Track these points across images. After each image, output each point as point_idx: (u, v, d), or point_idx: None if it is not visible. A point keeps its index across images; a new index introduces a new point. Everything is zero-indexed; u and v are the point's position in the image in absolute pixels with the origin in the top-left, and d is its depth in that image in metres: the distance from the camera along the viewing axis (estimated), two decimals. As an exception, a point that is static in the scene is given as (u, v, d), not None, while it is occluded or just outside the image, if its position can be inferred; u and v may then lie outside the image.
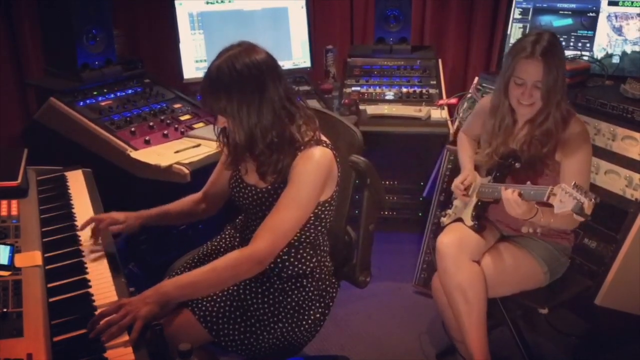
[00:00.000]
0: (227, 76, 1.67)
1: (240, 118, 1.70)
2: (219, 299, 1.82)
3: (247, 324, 1.80)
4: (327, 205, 1.85)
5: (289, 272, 1.88)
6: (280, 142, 1.75)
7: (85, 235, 1.86)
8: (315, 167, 1.74)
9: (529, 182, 1.99)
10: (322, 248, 1.95)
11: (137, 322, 1.45)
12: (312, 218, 1.82)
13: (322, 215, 1.86)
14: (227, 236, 2.08)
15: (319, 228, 1.89)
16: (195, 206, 2.05)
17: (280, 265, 1.87)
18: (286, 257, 1.87)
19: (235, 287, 1.85)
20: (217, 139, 1.89)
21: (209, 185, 2.06)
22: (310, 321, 1.88)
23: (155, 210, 1.99)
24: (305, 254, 1.89)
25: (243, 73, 1.67)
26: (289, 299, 1.86)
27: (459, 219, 2.29)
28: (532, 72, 2.04)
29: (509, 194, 1.96)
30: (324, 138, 1.82)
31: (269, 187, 1.82)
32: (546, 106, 2.08)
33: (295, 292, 1.87)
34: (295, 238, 1.84)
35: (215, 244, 2.07)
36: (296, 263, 1.88)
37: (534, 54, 2.03)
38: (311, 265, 1.90)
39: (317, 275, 1.91)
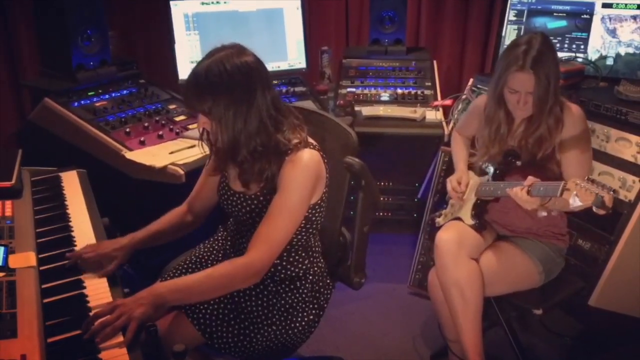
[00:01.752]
0: (216, 76, 1.64)
1: (225, 121, 1.66)
2: (212, 301, 1.81)
3: (240, 326, 1.80)
4: (317, 207, 1.84)
5: (282, 275, 1.88)
6: (264, 151, 1.72)
7: (80, 236, 1.86)
8: (303, 171, 1.73)
9: (530, 177, 1.99)
10: (314, 249, 1.95)
11: (131, 323, 1.44)
12: (303, 221, 1.81)
13: (313, 218, 1.85)
14: (219, 238, 2.07)
15: (310, 230, 1.88)
16: (182, 219, 2.00)
17: (272, 269, 1.85)
18: (278, 260, 1.85)
19: (229, 289, 1.85)
20: (200, 139, 1.85)
21: (193, 196, 2.02)
22: (304, 323, 1.88)
23: (143, 232, 1.90)
24: (297, 257, 1.89)
25: (234, 75, 1.64)
26: (282, 301, 1.86)
27: (456, 219, 2.30)
28: (524, 83, 2.06)
29: (518, 193, 1.96)
30: (311, 140, 1.80)
31: (258, 193, 1.80)
32: (538, 115, 2.09)
33: (289, 294, 1.87)
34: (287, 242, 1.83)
35: (209, 246, 2.07)
36: (288, 266, 1.88)
37: (524, 67, 2.03)
38: (304, 267, 1.90)
39: (311, 277, 1.91)
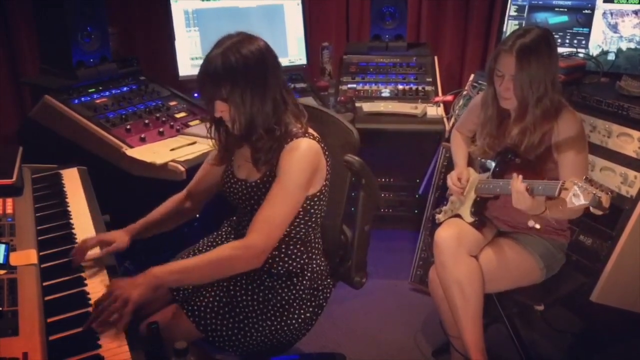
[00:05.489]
0: (232, 62, 1.67)
1: (243, 104, 1.70)
2: (208, 294, 1.83)
3: (235, 320, 1.81)
4: (316, 199, 1.85)
5: (279, 269, 1.88)
6: (277, 130, 1.76)
7: (81, 233, 1.86)
8: (300, 157, 1.75)
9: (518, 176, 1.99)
10: (313, 245, 1.95)
11: (127, 306, 1.46)
12: (302, 213, 1.82)
13: (312, 210, 1.86)
14: (223, 233, 2.08)
15: (309, 223, 1.89)
16: (180, 206, 2.02)
17: (270, 261, 1.86)
18: (276, 252, 1.86)
19: (225, 283, 1.85)
20: (208, 132, 1.88)
21: (194, 183, 2.04)
22: (300, 320, 1.88)
23: (140, 223, 1.93)
24: (296, 250, 1.89)
25: (248, 59, 1.69)
26: (278, 297, 1.86)
27: (456, 216, 2.30)
28: (507, 65, 2.06)
29: (519, 185, 1.95)
30: (311, 131, 1.83)
31: (259, 181, 1.82)
32: (522, 102, 2.09)
33: (285, 290, 1.87)
34: (285, 233, 1.83)
35: (212, 239, 2.08)
36: (286, 259, 1.88)
37: (511, 48, 2.04)
38: (302, 262, 1.90)
39: (309, 274, 1.91)
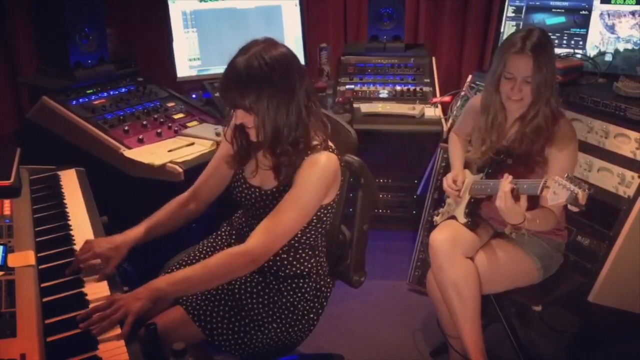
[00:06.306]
0: (258, 70, 1.63)
1: (268, 114, 1.66)
2: (213, 298, 1.82)
3: (241, 323, 1.80)
4: (329, 208, 1.85)
5: (287, 271, 1.88)
6: (301, 143, 1.73)
7: (79, 235, 1.85)
8: (320, 172, 1.73)
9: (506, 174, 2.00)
10: (320, 249, 1.96)
11: (128, 317, 1.45)
12: (315, 220, 1.82)
13: (324, 218, 1.86)
14: (222, 233, 2.08)
15: (320, 230, 1.89)
16: (184, 207, 1.97)
17: (278, 264, 1.87)
18: (285, 256, 1.87)
19: (230, 286, 1.85)
20: (225, 135, 1.86)
21: (200, 183, 2.00)
22: (304, 321, 1.89)
23: (139, 228, 1.86)
24: (304, 255, 1.89)
25: (275, 68, 1.64)
26: (284, 299, 1.86)
27: (452, 217, 2.30)
28: (521, 67, 2.06)
29: (506, 185, 1.95)
30: (330, 144, 1.81)
31: (274, 189, 1.81)
32: (536, 102, 2.09)
33: (291, 292, 1.87)
34: (296, 239, 1.84)
35: (211, 240, 2.07)
36: (294, 263, 1.88)
37: (524, 50, 2.04)
38: (309, 266, 1.91)
39: (315, 277, 1.92)
